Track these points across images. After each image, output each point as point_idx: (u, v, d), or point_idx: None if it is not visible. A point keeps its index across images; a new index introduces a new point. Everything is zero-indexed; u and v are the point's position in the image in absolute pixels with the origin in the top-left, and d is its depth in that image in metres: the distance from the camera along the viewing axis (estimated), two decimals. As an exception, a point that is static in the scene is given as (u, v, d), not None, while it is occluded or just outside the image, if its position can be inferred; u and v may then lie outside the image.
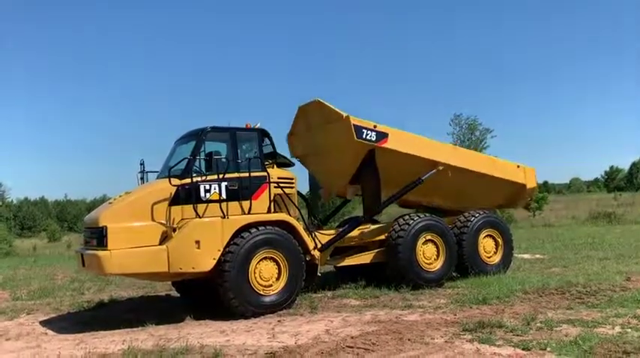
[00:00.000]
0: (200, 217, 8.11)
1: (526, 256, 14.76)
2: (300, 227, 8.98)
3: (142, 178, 9.01)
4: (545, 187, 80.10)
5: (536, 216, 41.88)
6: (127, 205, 8.08)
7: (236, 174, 8.55)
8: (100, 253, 7.61)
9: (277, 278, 8.49)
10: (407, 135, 10.42)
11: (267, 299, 8.33)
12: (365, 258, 10.25)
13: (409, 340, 6.48)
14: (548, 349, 5.82)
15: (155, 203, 8.01)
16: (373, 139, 9.77)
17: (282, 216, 8.87)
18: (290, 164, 9.99)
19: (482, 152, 44.14)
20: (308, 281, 9.18)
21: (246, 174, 8.56)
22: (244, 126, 9.10)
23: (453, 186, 10.77)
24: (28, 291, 12.01)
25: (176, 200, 8.11)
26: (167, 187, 8.10)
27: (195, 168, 8.36)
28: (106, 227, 7.67)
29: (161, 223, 7.98)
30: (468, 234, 10.61)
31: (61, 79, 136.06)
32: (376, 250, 10.26)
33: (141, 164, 8.99)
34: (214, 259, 8.03)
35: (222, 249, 8.10)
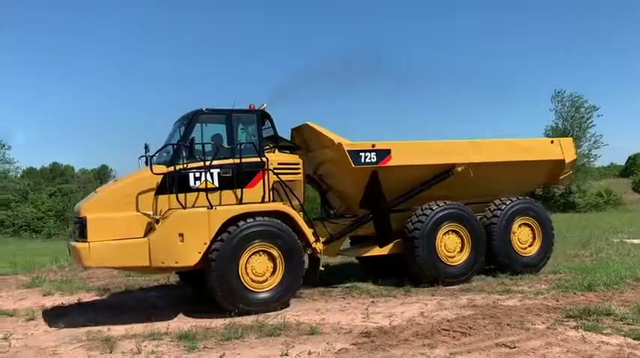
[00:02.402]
0: (184, 207, 7.55)
1: (636, 241, 13.81)
2: (298, 217, 8.16)
3: (146, 163, 8.10)
4: (658, 167, 73.94)
5: (648, 198, 38.89)
6: (110, 194, 7.71)
7: (229, 161, 7.92)
8: (79, 245, 7.22)
9: (272, 274, 7.78)
10: (412, 144, 9.43)
11: (258, 295, 7.62)
12: (382, 249, 9.41)
13: (508, 325, 6.30)
14: (664, 340, 5.42)
15: (141, 192, 7.51)
16: (374, 161, 8.88)
17: (277, 205, 8.07)
18: (296, 148, 9.17)
19: (586, 131, 41.78)
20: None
21: (240, 160, 7.94)
22: (247, 108, 8.43)
23: (479, 181, 9.60)
24: (139, 268, 12.92)
25: (163, 189, 7.57)
26: (153, 175, 7.57)
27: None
28: (85, 218, 7.25)
29: (147, 214, 7.46)
30: (499, 223, 9.57)
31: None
32: (395, 241, 9.38)
33: (145, 148, 7.98)
34: (200, 253, 7.41)
35: (208, 243, 7.45)
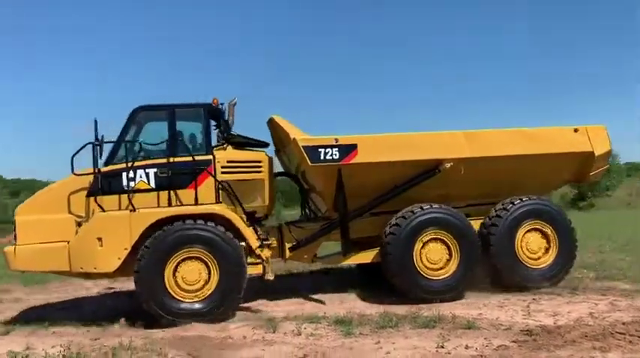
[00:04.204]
0: (103, 210, 7.19)
1: None
2: (238, 220, 7.49)
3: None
4: None
5: None
6: (42, 196, 7.55)
7: (165, 160, 7.46)
8: (7, 249, 7.22)
9: (207, 282, 7.17)
10: (384, 138, 8.10)
11: (188, 306, 7.04)
12: (364, 257, 8.32)
13: (699, 333, 5.55)
14: None
15: (73, 193, 7.30)
16: (336, 158, 7.77)
17: (211, 207, 7.41)
18: (259, 145, 8.37)
19: None
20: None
21: (185, 159, 7.47)
22: (192, 102, 7.92)
23: (481, 179, 8.25)
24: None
25: (94, 190, 7.31)
26: (86, 176, 7.34)
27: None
28: (15, 220, 7.24)
29: (80, 216, 7.27)
30: (500, 230, 8.02)
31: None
32: (377, 248, 8.19)
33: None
34: (120, 259, 7.05)
35: (129, 248, 7.07)
